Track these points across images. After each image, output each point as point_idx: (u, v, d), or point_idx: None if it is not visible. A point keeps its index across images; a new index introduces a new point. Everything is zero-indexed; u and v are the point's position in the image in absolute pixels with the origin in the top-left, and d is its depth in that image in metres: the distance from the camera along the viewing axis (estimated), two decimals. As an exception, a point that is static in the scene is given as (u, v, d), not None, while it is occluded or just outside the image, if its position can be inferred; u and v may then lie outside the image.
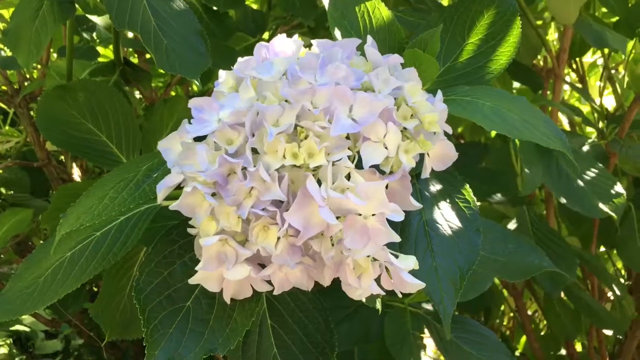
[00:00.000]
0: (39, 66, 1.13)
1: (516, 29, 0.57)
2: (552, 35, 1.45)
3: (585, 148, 1.10)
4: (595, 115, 1.26)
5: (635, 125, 1.10)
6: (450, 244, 0.48)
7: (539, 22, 1.30)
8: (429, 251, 0.47)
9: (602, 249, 1.40)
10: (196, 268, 0.42)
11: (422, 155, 0.45)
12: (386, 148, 0.41)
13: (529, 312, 1.61)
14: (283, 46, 0.47)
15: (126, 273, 0.77)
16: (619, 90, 1.31)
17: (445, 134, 0.46)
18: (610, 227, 1.14)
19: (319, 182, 0.39)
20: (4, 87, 1.06)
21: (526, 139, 0.45)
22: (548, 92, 1.21)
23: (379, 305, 0.52)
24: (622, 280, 1.47)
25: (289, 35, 0.48)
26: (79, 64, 1.01)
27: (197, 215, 0.41)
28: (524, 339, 1.61)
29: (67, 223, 0.46)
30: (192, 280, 0.43)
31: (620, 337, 1.20)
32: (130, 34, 1.09)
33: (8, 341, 1.63)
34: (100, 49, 1.17)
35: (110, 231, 0.55)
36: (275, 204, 0.40)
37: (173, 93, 1.26)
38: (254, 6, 1.33)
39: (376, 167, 0.41)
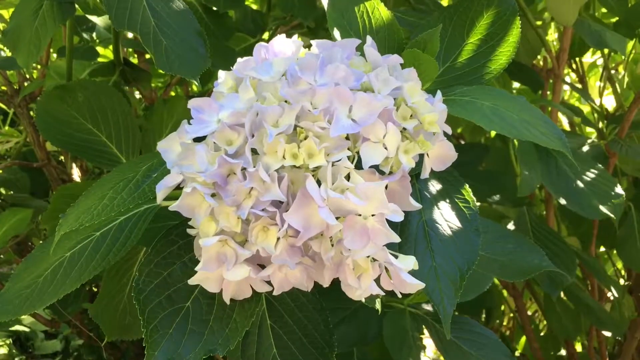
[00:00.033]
0: (39, 66, 1.13)
1: (516, 29, 0.57)
2: (552, 36, 1.45)
3: (585, 148, 1.10)
4: (595, 115, 1.26)
5: (635, 125, 1.11)
6: (450, 244, 0.48)
7: (539, 23, 1.30)
8: (429, 251, 0.47)
9: (602, 249, 1.40)
10: (196, 268, 0.42)
11: (421, 156, 0.45)
12: (386, 148, 0.41)
13: (529, 313, 1.61)
14: (282, 46, 0.47)
15: (126, 273, 0.77)
16: (618, 90, 1.32)
17: (445, 134, 0.46)
18: (609, 227, 1.14)
19: (319, 183, 0.39)
20: (3, 88, 1.06)
21: (525, 138, 0.45)
22: (548, 92, 1.21)
23: (378, 306, 0.52)
24: (622, 281, 1.47)
25: (289, 36, 0.48)
26: (79, 64, 1.01)
27: (196, 215, 0.41)
28: (523, 339, 1.61)
29: (66, 223, 0.46)
30: (191, 281, 0.43)
31: (619, 338, 1.20)
32: (130, 34, 1.09)
33: (8, 341, 1.63)
34: (99, 49, 1.17)
35: (110, 231, 0.55)
36: (275, 204, 0.40)
37: (173, 93, 1.26)
38: (254, 6, 1.34)
39: (376, 167, 0.41)
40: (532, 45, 1.18)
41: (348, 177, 0.39)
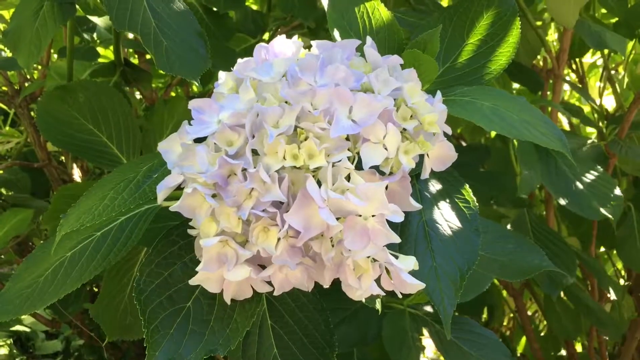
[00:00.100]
0: (40, 67, 1.13)
1: (516, 30, 0.57)
2: (552, 36, 1.45)
3: (585, 149, 1.10)
4: (595, 115, 1.26)
5: (635, 126, 1.11)
6: (450, 244, 0.48)
7: (539, 23, 1.30)
8: (429, 251, 0.47)
9: (602, 249, 1.40)
10: (197, 269, 0.42)
11: (421, 156, 0.45)
12: (386, 149, 0.41)
13: (529, 313, 1.61)
14: (283, 47, 0.47)
15: (126, 273, 0.77)
16: (618, 90, 1.32)
17: (445, 134, 0.46)
18: (609, 228, 1.15)
19: (319, 183, 0.39)
20: (4, 88, 1.06)
21: (525, 139, 0.46)
22: (548, 93, 1.21)
23: (379, 306, 0.52)
24: (622, 281, 1.47)
25: (289, 37, 0.49)
26: (80, 65, 1.01)
27: (197, 216, 0.41)
28: (524, 339, 1.61)
29: (67, 223, 0.46)
30: (192, 281, 0.43)
31: (618, 339, 1.20)
32: (130, 35, 1.09)
33: (8, 341, 1.63)
34: (100, 49, 1.17)
35: (111, 231, 0.55)
36: (275, 205, 0.40)
37: (173, 94, 1.26)
38: (254, 7, 1.34)
39: (376, 168, 0.41)
40: (532, 45, 1.19)
41: (348, 178, 0.40)
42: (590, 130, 1.58)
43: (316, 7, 1.05)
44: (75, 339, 1.60)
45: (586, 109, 1.43)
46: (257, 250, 0.41)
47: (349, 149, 0.40)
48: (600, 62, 1.49)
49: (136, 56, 1.24)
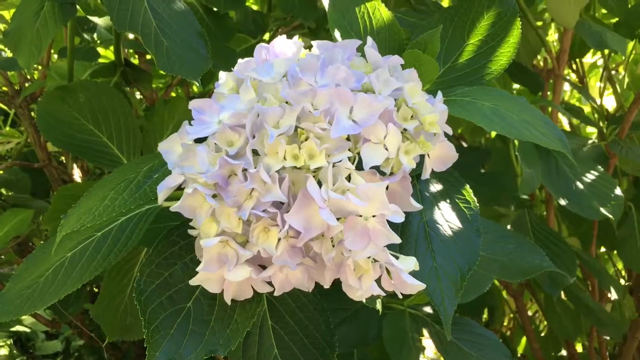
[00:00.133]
0: (40, 67, 1.13)
1: (516, 30, 0.57)
2: (552, 36, 1.45)
3: (586, 149, 1.10)
4: (596, 115, 1.26)
5: (635, 126, 1.11)
6: (451, 244, 0.48)
7: (539, 23, 1.30)
8: (430, 252, 0.47)
9: (603, 249, 1.40)
10: (197, 269, 0.42)
11: (422, 156, 0.45)
12: (386, 149, 0.41)
13: (529, 313, 1.61)
14: (283, 47, 0.47)
15: (127, 274, 0.77)
16: (619, 90, 1.32)
17: (446, 134, 0.46)
18: (610, 228, 1.15)
19: (320, 184, 0.39)
20: (4, 88, 1.06)
21: (526, 139, 0.46)
22: (548, 93, 1.21)
23: (379, 307, 0.52)
24: (622, 281, 1.47)
25: (289, 37, 0.49)
26: (80, 65, 1.01)
27: (197, 216, 0.41)
28: (524, 339, 1.61)
29: (68, 224, 0.46)
30: (192, 281, 0.43)
31: (619, 339, 1.20)
32: (130, 35, 1.09)
33: (8, 342, 1.63)
34: (100, 50, 1.17)
35: (111, 232, 0.55)
36: (275, 205, 0.40)
37: (173, 94, 1.26)
38: (254, 7, 1.34)
39: (376, 168, 0.41)
40: (533, 45, 1.19)
41: (349, 178, 0.40)
42: (591, 130, 1.59)
43: (317, 7, 1.05)
44: (76, 339, 1.60)
45: (586, 109, 1.43)
46: (257, 251, 0.41)
47: (349, 149, 0.40)
48: (600, 62, 1.49)
49: (136, 56, 1.24)
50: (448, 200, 0.50)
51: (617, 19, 1.17)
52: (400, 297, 0.44)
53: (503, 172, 1.16)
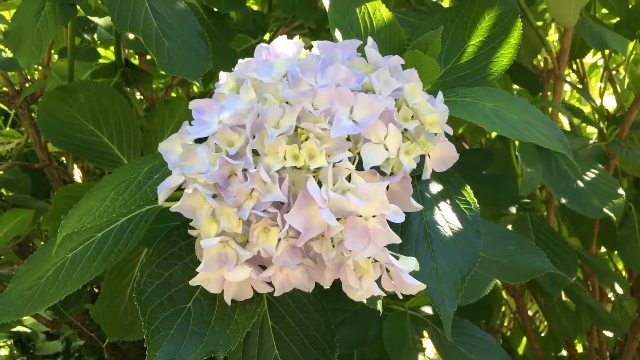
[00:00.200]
0: (40, 67, 1.14)
1: (517, 31, 0.57)
2: (553, 36, 1.45)
3: (586, 149, 1.10)
4: (596, 116, 1.26)
5: (636, 126, 1.11)
6: (451, 245, 0.48)
7: (540, 23, 1.30)
8: (430, 252, 0.47)
9: (603, 249, 1.40)
10: (197, 269, 0.42)
11: (422, 157, 0.45)
12: (387, 149, 0.41)
13: (530, 313, 1.61)
14: (283, 48, 0.47)
15: (127, 274, 0.77)
16: (619, 91, 1.32)
17: (446, 135, 0.46)
18: (610, 228, 1.14)
19: (320, 184, 0.39)
20: (5, 89, 1.06)
21: (526, 140, 0.45)
22: (549, 93, 1.21)
23: (380, 307, 0.52)
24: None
25: (290, 37, 0.49)
26: (80, 65, 1.01)
27: (197, 216, 0.41)
28: (524, 339, 1.61)
29: (68, 224, 0.46)
30: (193, 282, 0.43)
31: (620, 339, 1.20)
32: (131, 35, 1.09)
33: (9, 342, 1.63)
34: (101, 50, 1.17)
35: (112, 232, 0.55)
36: (276, 205, 0.40)
37: (174, 94, 1.26)
38: (255, 7, 1.34)
39: (377, 168, 0.41)
40: (533, 45, 1.19)
41: (349, 178, 0.40)
42: (591, 130, 1.58)
43: (317, 7, 1.05)
44: (76, 339, 1.60)
45: (587, 109, 1.43)
46: (257, 251, 0.41)
47: (349, 150, 0.40)
48: (601, 62, 1.49)
49: (137, 57, 1.24)
50: (448, 201, 0.50)
51: (617, 19, 1.17)
52: (401, 297, 0.44)
53: (504, 173, 1.16)
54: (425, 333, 0.83)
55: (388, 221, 0.39)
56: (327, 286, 0.44)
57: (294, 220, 0.38)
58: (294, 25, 1.15)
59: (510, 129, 0.46)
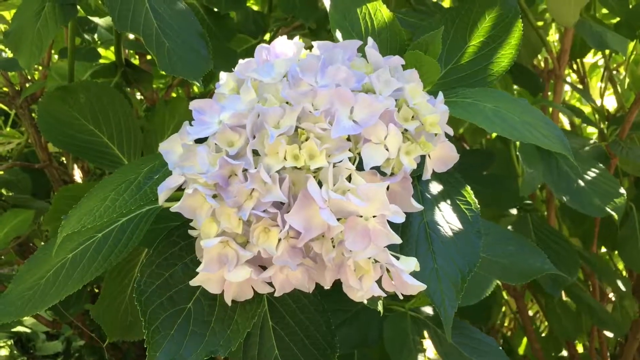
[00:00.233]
0: (41, 67, 1.13)
1: (518, 31, 0.57)
2: (553, 36, 1.45)
3: (586, 149, 1.10)
4: (596, 116, 1.26)
5: (636, 126, 1.11)
6: (451, 245, 0.48)
7: (540, 23, 1.30)
8: (430, 253, 0.47)
9: (604, 249, 1.40)
10: (197, 270, 0.42)
11: (423, 157, 0.45)
12: (387, 149, 0.41)
13: (530, 313, 1.61)
14: (284, 48, 0.47)
15: (127, 274, 0.77)
16: (619, 91, 1.32)
17: (447, 135, 0.46)
18: (610, 228, 1.14)
19: (320, 184, 0.39)
20: (5, 89, 1.06)
21: (527, 140, 0.45)
22: (549, 93, 1.21)
23: (380, 308, 0.52)
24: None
25: (290, 37, 0.48)
26: (80, 66, 1.01)
27: (198, 216, 0.41)
28: (525, 340, 1.61)
29: (68, 225, 0.46)
30: (193, 282, 0.43)
31: (621, 339, 1.20)
32: (131, 36, 1.09)
33: (9, 342, 1.63)
34: (101, 50, 1.17)
35: (112, 233, 0.55)
36: (276, 205, 0.40)
37: (174, 94, 1.26)
38: (255, 8, 1.34)
39: (377, 168, 0.41)
40: (533, 46, 1.18)
41: (349, 179, 0.39)
42: (592, 130, 1.58)
43: (317, 7, 1.05)
44: (76, 339, 1.60)
45: (587, 109, 1.43)
46: (257, 251, 0.41)
47: (350, 150, 0.40)
48: (601, 62, 1.48)
49: (137, 57, 1.24)
50: (449, 201, 0.50)
51: (618, 19, 1.17)
52: (401, 298, 0.44)
53: (504, 174, 1.16)
54: (425, 334, 0.83)
55: (388, 221, 0.39)
56: (327, 286, 0.44)
57: (294, 221, 0.38)
58: (294, 26, 1.15)
59: (511, 130, 0.46)
